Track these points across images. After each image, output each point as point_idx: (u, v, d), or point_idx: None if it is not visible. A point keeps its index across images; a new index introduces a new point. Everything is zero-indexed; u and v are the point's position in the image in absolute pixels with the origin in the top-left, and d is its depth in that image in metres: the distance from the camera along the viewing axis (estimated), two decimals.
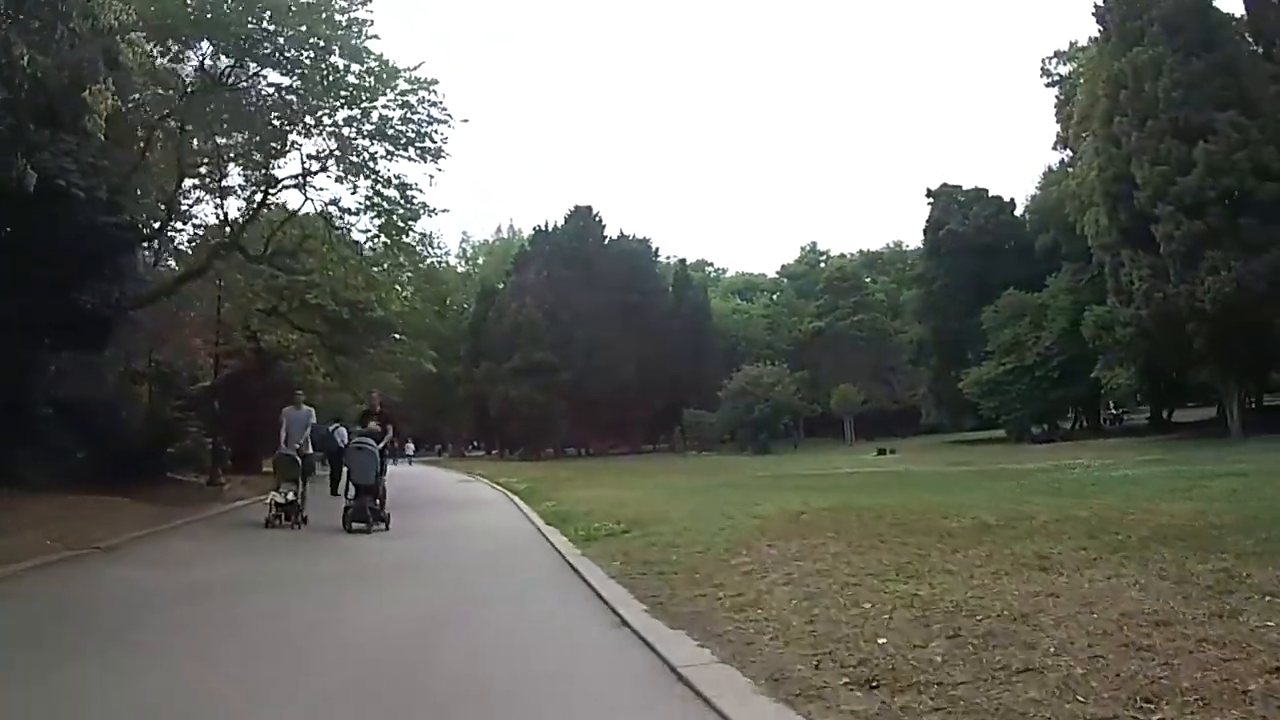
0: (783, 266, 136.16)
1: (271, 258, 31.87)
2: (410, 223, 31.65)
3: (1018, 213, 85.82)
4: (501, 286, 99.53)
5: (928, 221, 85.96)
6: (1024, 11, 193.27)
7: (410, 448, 73.20)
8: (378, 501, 20.10)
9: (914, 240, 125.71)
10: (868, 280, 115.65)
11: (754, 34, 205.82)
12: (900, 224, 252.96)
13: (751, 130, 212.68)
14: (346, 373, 43.26)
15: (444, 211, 32.53)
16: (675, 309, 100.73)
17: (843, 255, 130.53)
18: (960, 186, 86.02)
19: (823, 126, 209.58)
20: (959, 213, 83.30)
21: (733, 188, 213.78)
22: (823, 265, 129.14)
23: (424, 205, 30.74)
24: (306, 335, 38.95)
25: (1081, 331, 57.24)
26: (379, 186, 29.68)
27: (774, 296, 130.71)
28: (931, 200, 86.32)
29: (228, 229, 30.92)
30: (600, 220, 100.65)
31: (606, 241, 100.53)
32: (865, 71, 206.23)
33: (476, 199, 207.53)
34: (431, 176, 32.23)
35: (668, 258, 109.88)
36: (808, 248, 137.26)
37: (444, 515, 25.07)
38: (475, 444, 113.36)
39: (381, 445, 20.67)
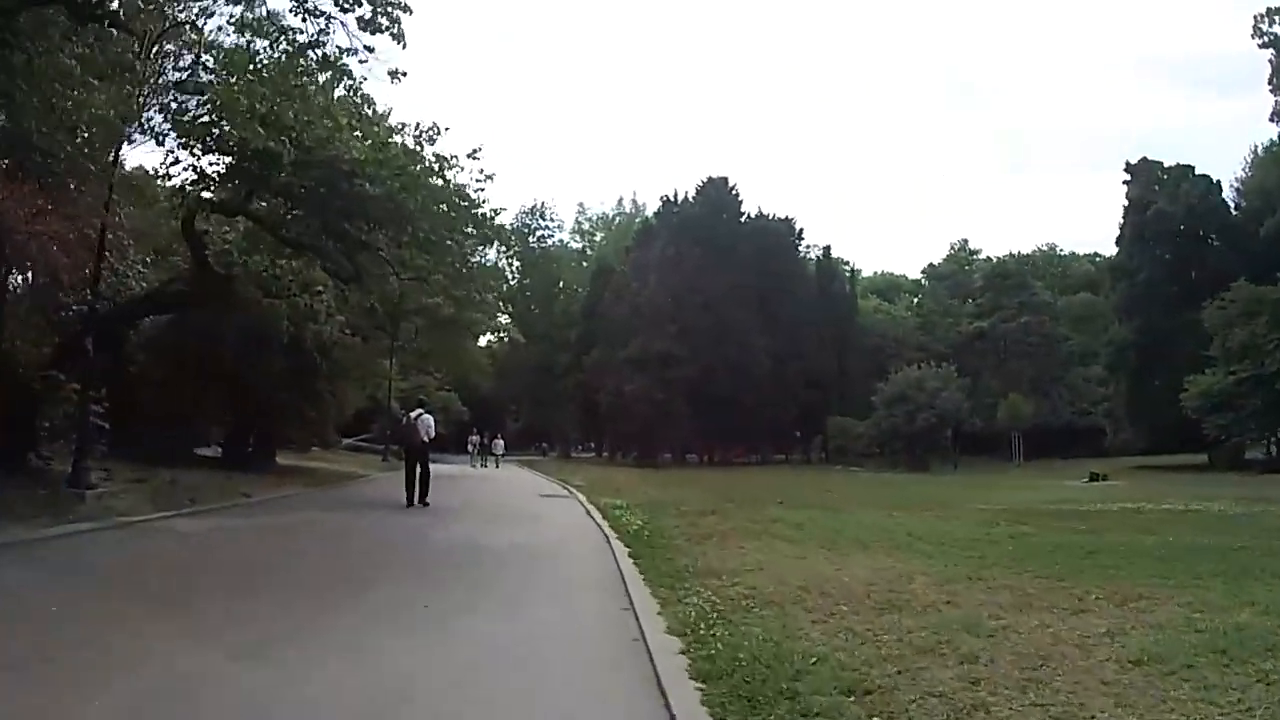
0: (929, 265, 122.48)
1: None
2: None
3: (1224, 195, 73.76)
4: (623, 269, 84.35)
5: (1128, 201, 74.17)
6: None
7: (499, 445, 57.10)
8: None
9: (1069, 244, 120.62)
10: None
11: (887, 21, 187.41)
12: (1051, 227, 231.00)
13: (890, 123, 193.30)
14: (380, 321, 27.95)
15: None
16: (818, 301, 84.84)
17: (989, 259, 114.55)
18: (1161, 163, 73.72)
19: (962, 120, 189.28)
20: (1163, 193, 70.84)
21: (867, 183, 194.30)
22: (969, 267, 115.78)
23: None
24: (300, 255, 23.96)
25: None
26: None
27: (916, 299, 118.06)
28: (1129, 178, 74.92)
29: None
30: (737, 194, 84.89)
31: (743, 219, 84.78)
32: (1000, 63, 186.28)
33: (597, 170, 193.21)
34: None
35: (808, 246, 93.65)
36: (957, 245, 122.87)
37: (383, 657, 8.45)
38: (585, 444, 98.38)
39: None
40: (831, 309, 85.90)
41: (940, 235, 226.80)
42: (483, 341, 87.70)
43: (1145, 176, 73.22)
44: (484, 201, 22.46)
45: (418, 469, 22.47)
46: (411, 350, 54.55)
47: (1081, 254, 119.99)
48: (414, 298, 30.61)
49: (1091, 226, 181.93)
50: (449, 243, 22.63)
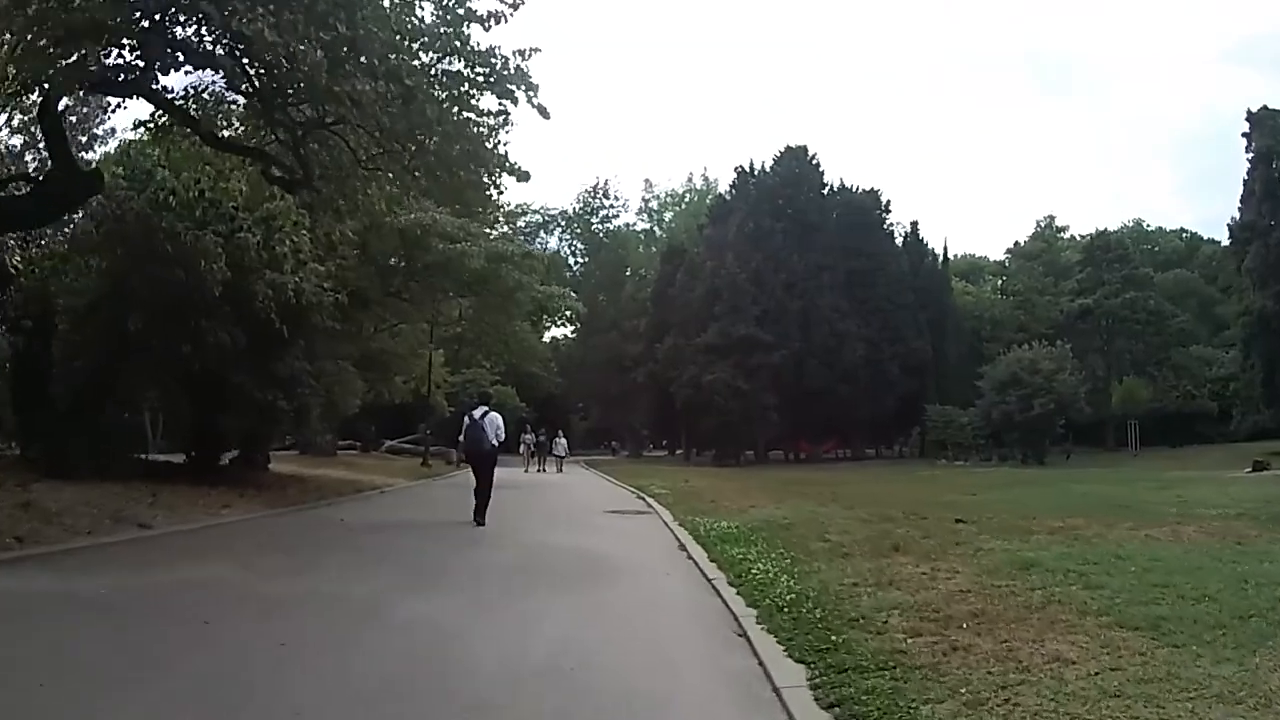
0: (1015, 245, 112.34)
1: None
2: None
3: None
4: (697, 250, 74.90)
5: (1252, 154, 66.42)
6: None
7: (561, 445, 47.44)
8: None
9: (1161, 218, 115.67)
10: None
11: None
12: (1132, 205, 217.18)
13: (961, 104, 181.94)
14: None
15: None
16: (910, 280, 75.01)
17: (1075, 237, 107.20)
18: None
19: (1035, 99, 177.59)
20: None
21: (940, 165, 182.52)
22: (1058, 245, 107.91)
23: None
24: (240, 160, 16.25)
25: None
26: None
27: (1001, 280, 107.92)
28: (1250, 127, 67.03)
29: None
30: (818, 164, 75.13)
31: (826, 191, 75.20)
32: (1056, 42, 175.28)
33: (663, 148, 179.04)
34: None
35: (894, 223, 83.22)
36: (1044, 223, 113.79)
37: None
38: (658, 442, 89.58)
39: None
40: (924, 289, 76.12)
41: (1017, 216, 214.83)
42: (547, 338, 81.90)
43: (1269, 126, 64.81)
44: (494, 20, 12.96)
45: (484, 479, 17.75)
46: (451, 329, 46.14)
47: (1169, 229, 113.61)
48: (403, 214, 21.63)
49: (1174, 203, 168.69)
50: (430, 83, 13.33)
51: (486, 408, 18.33)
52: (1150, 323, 79.57)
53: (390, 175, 15.63)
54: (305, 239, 19.23)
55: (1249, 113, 66.49)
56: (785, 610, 8.38)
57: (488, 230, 33.76)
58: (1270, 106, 65.81)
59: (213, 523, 16.25)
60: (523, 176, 15.95)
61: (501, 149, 15.31)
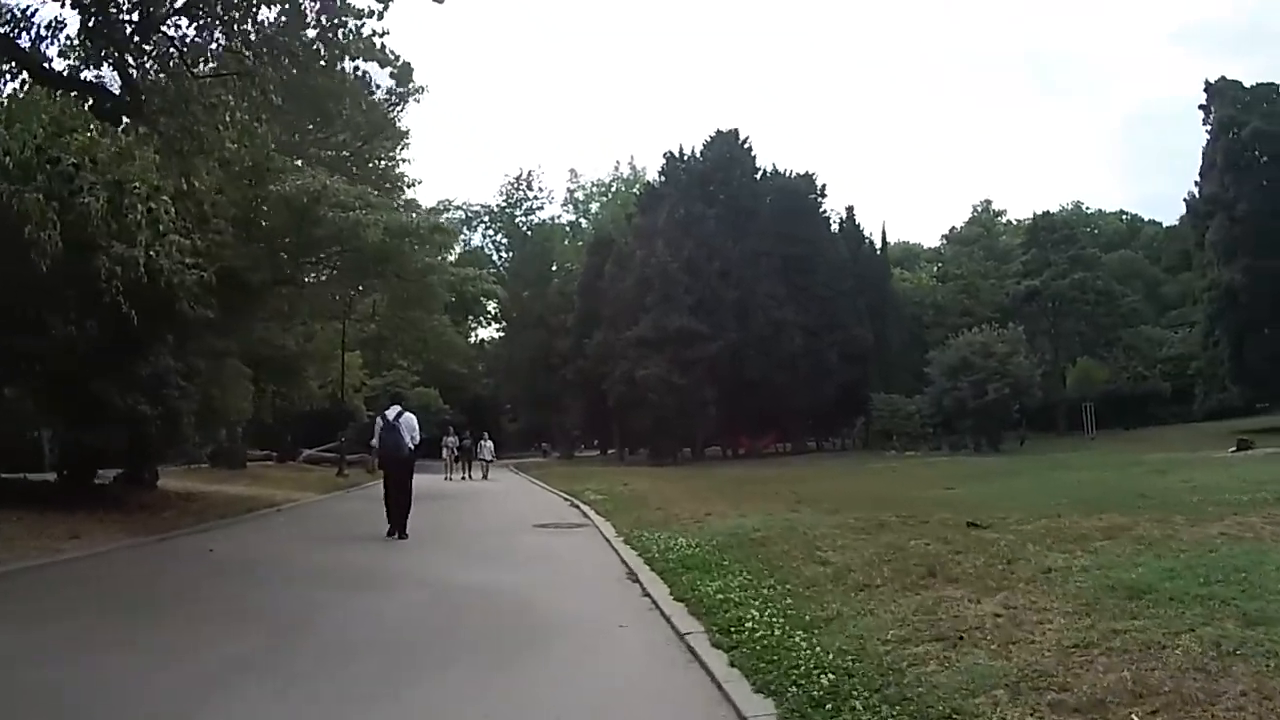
0: (951, 230, 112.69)
1: None
2: None
3: None
4: (626, 241, 71.16)
5: (1215, 124, 64.89)
6: None
7: (487, 448, 44.51)
8: None
9: (1095, 201, 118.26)
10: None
11: None
12: (1068, 188, 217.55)
13: (880, 91, 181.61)
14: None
15: None
16: (848, 266, 72.55)
17: (1011, 222, 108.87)
18: (1240, 83, 64.87)
19: (957, 81, 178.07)
20: (1254, 111, 61.94)
21: (864, 152, 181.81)
22: (995, 229, 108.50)
23: None
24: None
25: None
26: None
27: (937, 267, 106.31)
28: (1208, 97, 65.68)
29: None
30: (750, 149, 72.53)
31: (759, 176, 72.62)
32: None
33: (587, 139, 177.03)
34: None
35: (829, 209, 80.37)
36: (980, 207, 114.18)
37: None
38: (589, 442, 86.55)
39: None
40: (863, 275, 74.00)
41: (950, 202, 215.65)
42: (474, 339, 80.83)
43: (1229, 96, 63.73)
44: None
45: (398, 487, 16.65)
46: (366, 327, 43.20)
47: (1109, 211, 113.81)
48: (289, 177, 18.68)
49: (1111, 185, 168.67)
50: None
51: (400, 407, 17.05)
52: (1100, 303, 78.81)
53: (233, 100, 12.51)
54: (166, 205, 15.77)
55: (1207, 84, 65.68)
56: (825, 704, 5.41)
57: (398, 210, 30.56)
58: (1229, 77, 65.20)
59: (44, 561, 13.12)
60: (401, 71, 13.01)
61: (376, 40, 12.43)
